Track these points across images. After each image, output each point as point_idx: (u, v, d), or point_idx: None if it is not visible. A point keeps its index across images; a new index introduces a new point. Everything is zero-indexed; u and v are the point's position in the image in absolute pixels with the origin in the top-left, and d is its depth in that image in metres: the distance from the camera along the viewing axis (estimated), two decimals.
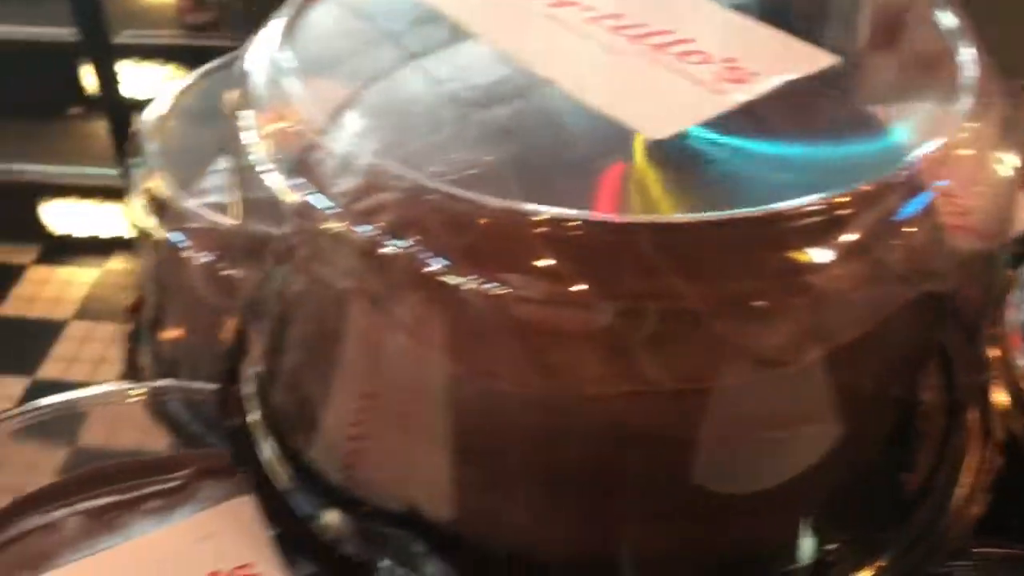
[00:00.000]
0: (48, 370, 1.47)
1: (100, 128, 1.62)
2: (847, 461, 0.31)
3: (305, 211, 0.29)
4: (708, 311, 0.26)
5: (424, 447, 0.30)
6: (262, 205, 0.31)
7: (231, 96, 0.32)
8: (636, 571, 0.30)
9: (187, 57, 1.58)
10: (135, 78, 1.56)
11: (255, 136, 0.30)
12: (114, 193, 1.53)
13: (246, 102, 0.31)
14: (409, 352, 0.29)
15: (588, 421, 0.28)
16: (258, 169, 0.29)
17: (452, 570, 0.32)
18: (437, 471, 0.30)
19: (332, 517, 0.32)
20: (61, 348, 1.51)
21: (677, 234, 0.26)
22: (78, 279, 1.62)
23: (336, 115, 0.31)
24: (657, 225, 0.26)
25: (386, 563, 0.32)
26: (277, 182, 0.29)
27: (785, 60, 0.31)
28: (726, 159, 0.29)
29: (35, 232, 1.65)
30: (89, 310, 1.56)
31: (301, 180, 0.29)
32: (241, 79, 0.32)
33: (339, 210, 0.28)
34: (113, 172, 1.41)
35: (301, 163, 0.29)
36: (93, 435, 0.45)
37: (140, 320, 0.56)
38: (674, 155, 0.29)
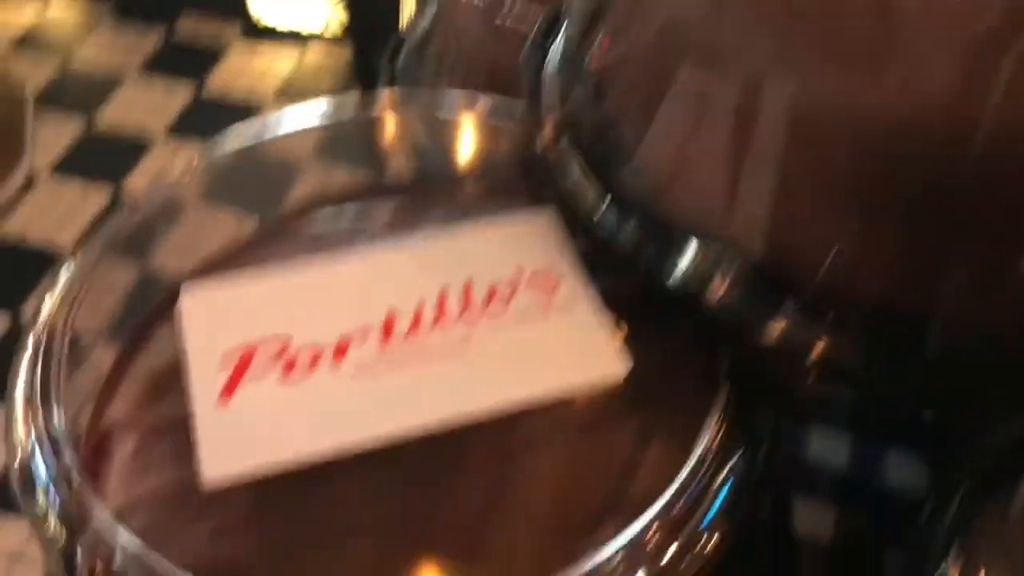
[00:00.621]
0: None
1: None
2: None
3: None
4: None
5: (751, 174, 0.30)
6: None
7: None
8: (944, 326, 0.30)
9: None
10: None
11: None
12: None
13: None
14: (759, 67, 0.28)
15: (931, 140, 0.26)
16: None
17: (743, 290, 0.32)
18: (760, 199, 0.30)
19: (633, 232, 0.33)
20: None
21: None
22: (276, 67, 1.66)
23: None
24: None
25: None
26: None
27: None
28: None
29: (240, 15, 1.70)
30: (286, 95, 1.61)
31: None
32: None
33: None
34: None
35: None
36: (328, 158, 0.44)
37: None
38: None
